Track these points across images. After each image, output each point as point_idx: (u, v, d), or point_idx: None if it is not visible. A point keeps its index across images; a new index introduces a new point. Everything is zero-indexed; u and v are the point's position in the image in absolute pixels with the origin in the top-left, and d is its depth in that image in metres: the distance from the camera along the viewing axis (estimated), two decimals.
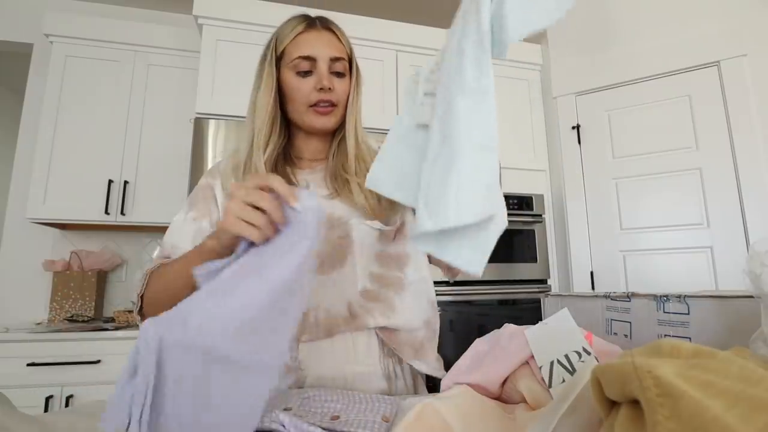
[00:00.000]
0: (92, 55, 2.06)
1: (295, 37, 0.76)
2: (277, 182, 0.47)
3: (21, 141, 2.20)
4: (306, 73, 0.75)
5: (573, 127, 2.17)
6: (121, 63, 2.09)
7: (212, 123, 1.81)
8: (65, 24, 2.03)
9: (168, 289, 0.62)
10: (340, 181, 0.76)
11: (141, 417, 0.31)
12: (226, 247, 0.51)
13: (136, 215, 2.00)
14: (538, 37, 2.40)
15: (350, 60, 0.80)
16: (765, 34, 1.83)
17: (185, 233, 0.72)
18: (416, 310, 0.75)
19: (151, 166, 2.05)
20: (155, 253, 0.74)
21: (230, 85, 1.91)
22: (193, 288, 0.52)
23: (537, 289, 2.07)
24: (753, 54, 1.83)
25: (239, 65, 1.93)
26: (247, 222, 0.47)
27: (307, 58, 0.74)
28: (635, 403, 0.23)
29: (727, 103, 1.85)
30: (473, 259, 0.37)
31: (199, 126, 1.80)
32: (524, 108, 2.33)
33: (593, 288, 2.02)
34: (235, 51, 1.95)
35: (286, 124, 0.80)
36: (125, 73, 2.09)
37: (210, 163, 1.76)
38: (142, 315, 0.67)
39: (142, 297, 0.66)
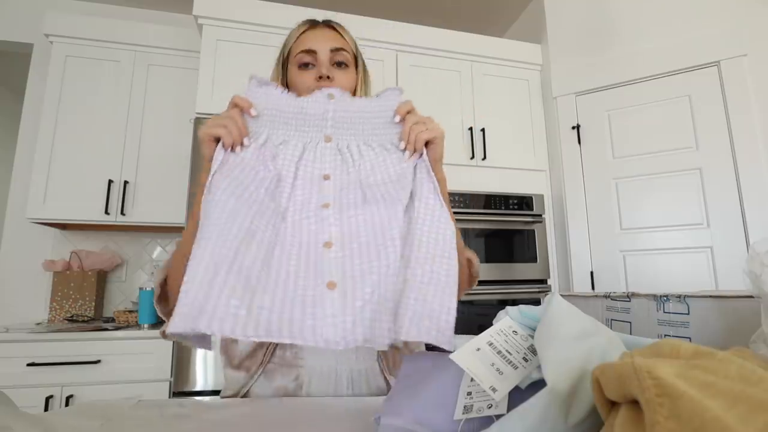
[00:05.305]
0: (92, 55, 2.06)
1: (299, 36, 0.80)
2: (236, 98, 0.61)
3: (21, 141, 2.20)
4: (307, 66, 0.78)
5: (573, 127, 2.17)
6: (121, 63, 2.09)
7: None
8: (65, 24, 2.03)
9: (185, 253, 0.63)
10: None
11: None
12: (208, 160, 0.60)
13: (136, 215, 2.00)
14: (538, 37, 2.40)
15: (355, 56, 0.83)
16: (765, 34, 1.83)
17: None
18: None
19: (151, 166, 2.05)
20: None
21: (230, 85, 1.91)
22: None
23: (537, 289, 2.07)
24: (753, 54, 1.83)
25: (239, 65, 1.93)
26: (217, 127, 0.59)
27: (308, 51, 0.78)
28: (635, 403, 0.23)
29: (727, 103, 1.85)
30: None
31: (199, 126, 1.80)
32: (524, 108, 2.33)
33: (593, 288, 2.02)
34: (235, 51, 1.95)
35: None
36: (125, 73, 2.09)
37: None
38: (163, 300, 0.68)
39: (161, 284, 0.68)
